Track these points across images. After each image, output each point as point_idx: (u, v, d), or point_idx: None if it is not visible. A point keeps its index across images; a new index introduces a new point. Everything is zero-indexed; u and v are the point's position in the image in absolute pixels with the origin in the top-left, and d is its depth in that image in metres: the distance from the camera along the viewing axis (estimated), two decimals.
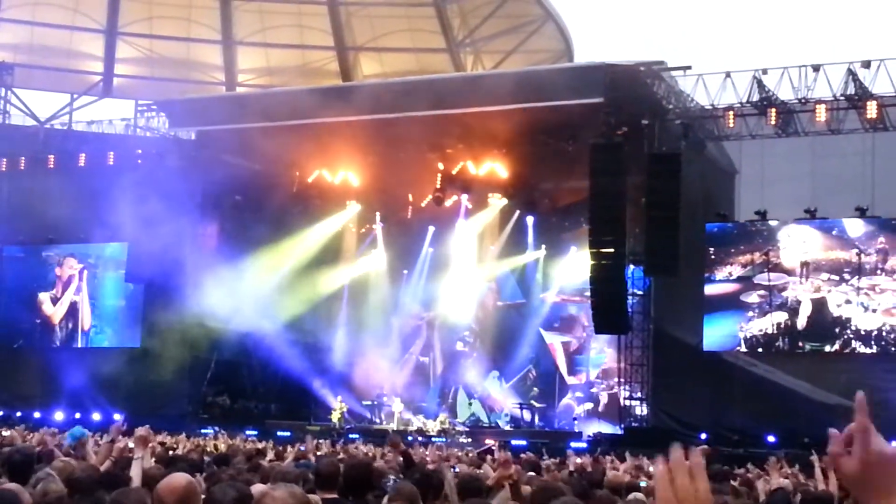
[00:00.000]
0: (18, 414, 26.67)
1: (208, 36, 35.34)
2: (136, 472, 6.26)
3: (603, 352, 27.70)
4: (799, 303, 23.49)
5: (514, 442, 22.32)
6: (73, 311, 30.11)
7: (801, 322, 23.44)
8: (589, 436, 24.35)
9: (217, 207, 28.14)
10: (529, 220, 28.61)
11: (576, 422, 26.67)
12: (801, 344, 23.65)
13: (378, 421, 28.02)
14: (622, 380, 25.41)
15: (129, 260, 28.26)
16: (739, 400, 23.71)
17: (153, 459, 8.05)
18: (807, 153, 23.91)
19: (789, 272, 23.74)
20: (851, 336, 23.00)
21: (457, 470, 9.65)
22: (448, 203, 27.77)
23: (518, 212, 28.53)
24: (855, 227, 23.26)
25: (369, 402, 28.72)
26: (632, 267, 23.88)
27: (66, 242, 30.24)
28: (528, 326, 28.84)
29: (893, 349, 22.79)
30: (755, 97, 23.32)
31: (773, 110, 23.28)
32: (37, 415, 26.61)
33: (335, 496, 5.83)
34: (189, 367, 27.70)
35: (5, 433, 15.85)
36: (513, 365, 28.77)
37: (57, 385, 28.00)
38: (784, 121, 23.63)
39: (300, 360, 28.16)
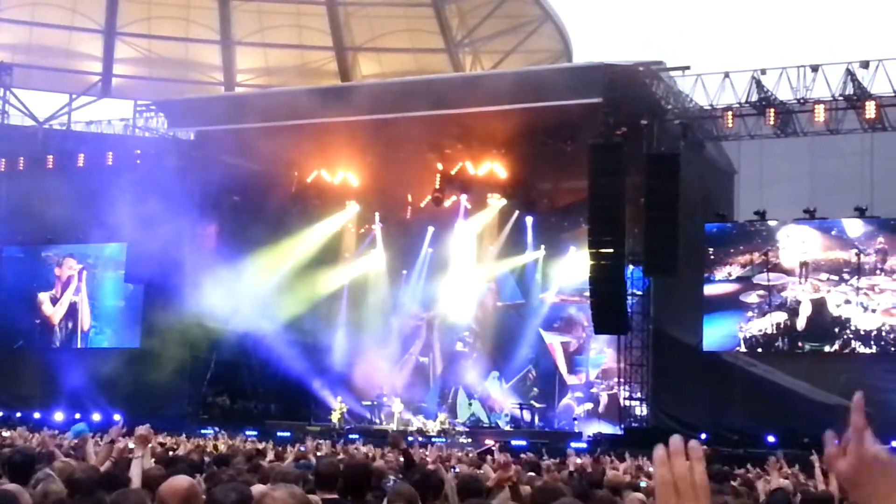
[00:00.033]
0: (18, 415, 26.66)
1: (207, 36, 35.33)
2: (135, 472, 6.25)
3: (602, 352, 27.69)
4: (798, 303, 23.50)
5: (513, 442, 22.32)
6: (72, 311, 30.09)
7: (801, 322, 23.45)
8: (589, 436, 24.34)
9: (216, 207, 28.13)
10: (528, 220, 28.61)
11: (576, 422, 26.66)
12: (800, 344, 23.66)
13: (378, 421, 28.01)
14: (622, 380, 25.40)
15: (129, 260, 28.25)
16: (739, 400, 23.71)
17: (153, 460, 8.04)
18: (806, 153, 23.93)
19: (788, 272, 23.75)
20: (851, 336, 23.01)
21: (457, 470, 9.66)
22: (447, 203, 27.76)
23: (517, 212, 28.53)
24: (854, 228, 23.27)
25: (369, 403, 28.71)
26: (631, 267, 23.87)
27: (65, 243, 30.23)
28: (528, 327, 28.83)
29: (893, 349, 22.80)
30: (754, 97, 23.33)
31: (772, 110, 23.28)
32: (36, 415, 26.60)
33: (335, 496, 5.83)
34: (189, 367, 27.70)
35: (5, 434, 15.86)
36: (512, 365, 28.76)
37: (56, 386, 28.00)
38: (783, 121, 23.64)
39: (300, 360, 28.15)
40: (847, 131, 23.19)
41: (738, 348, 24.25)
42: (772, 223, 24.02)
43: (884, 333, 22.82)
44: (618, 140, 22.69)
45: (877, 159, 23.22)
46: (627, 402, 25.15)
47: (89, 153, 30.15)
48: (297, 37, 35.19)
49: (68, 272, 30.26)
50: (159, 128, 29.42)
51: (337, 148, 26.34)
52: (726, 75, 23.63)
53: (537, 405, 27.48)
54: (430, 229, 29.67)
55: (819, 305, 23.29)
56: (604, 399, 27.39)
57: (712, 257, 24.49)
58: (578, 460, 14.53)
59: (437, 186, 26.84)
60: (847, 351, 23.10)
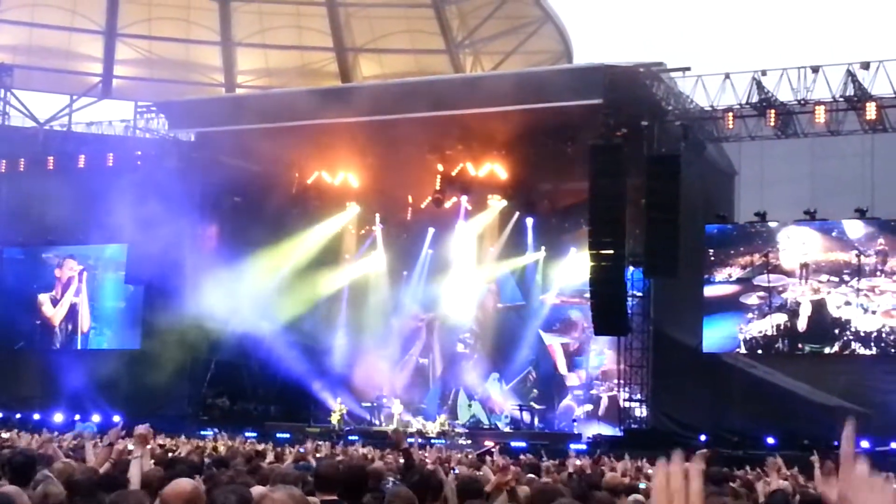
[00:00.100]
0: (18, 416, 26.67)
1: (207, 37, 35.34)
2: (134, 473, 6.25)
3: (602, 353, 27.68)
4: (798, 304, 23.49)
5: (513, 444, 22.30)
6: (72, 312, 30.10)
7: (801, 324, 23.44)
8: (588, 438, 24.33)
9: (216, 209, 28.15)
10: (529, 221, 28.60)
11: (575, 423, 26.65)
12: (800, 345, 23.65)
13: (377, 423, 27.99)
14: (622, 381, 25.39)
15: (129, 261, 28.25)
16: (739, 402, 23.69)
17: (152, 462, 8.04)
18: (806, 154, 23.92)
19: (789, 273, 23.75)
20: (851, 337, 23.00)
21: (456, 472, 9.65)
22: (448, 204, 27.75)
23: (517, 213, 28.51)
24: (854, 229, 23.26)
25: (369, 404, 28.69)
26: (631, 268, 23.86)
27: (65, 244, 30.24)
28: (528, 328, 28.81)
29: (893, 351, 22.79)
30: (754, 98, 23.33)
31: (773, 111, 23.29)
32: (36, 416, 26.62)
33: (334, 498, 5.82)
34: (188, 368, 27.72)
35: (4, 435, 15.86)
36: (513, 367, 28.74)
37: (56, 387, 28.00)
38: (783, 122, 23.64)
39: (300, 361, 28.15)
40: (848, 132, 23.19)
41: (738, 350, 24.24)
42: (772, 224, 24.01)
43: (884, 335, 22.80)
44: (618, 141, 22.68)
45: (877, 160, 23.21)
46: (627, 404, 25.14)
47: (90, 154, 30.16)
48: (297, 38, 35.20)
49: (69, 273, 30.27)
50: (160, 129, 29.43)
51: (337, 149, 26.34)
52: (727, 76, 23.64)
53: (537, 407, 27.48)
54: (431, 230, 29.66)
55: (819, 307, 23.28)
56: (604, 400, 27.37)
57: (713, 259, 24.49)
58: (578, 462, 14.52)
59: (438, 187, 26.83)
60: (847, 352, 23.09)
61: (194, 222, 26.86)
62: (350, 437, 24.26)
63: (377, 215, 30.28)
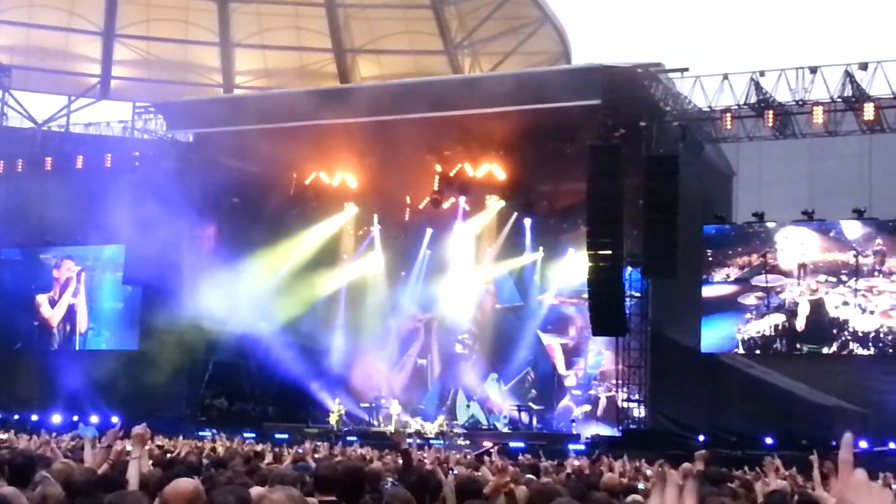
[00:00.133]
0: (16, 417, 26.66)
1: (206, 38, 35.33)
2: (133, 473, 6.24)
3: (601, 354, 27.68)
4: (796, 304, 23.51)
5: (512, 444, 22.28)
6: (70, 313, 30.09)
7: (799, 324, 23.46)
8: (587, 438, 24.34)
9: (215, 209, 28.15)
10: (527, 221, 28.61)
11: (574, 424, 26.66)
12: (798, 346, 23.66)
13: (376, 423, 28.00)
14: (620, 382, 25.39)
15: (127, 262, 28.24)
16: (737, 402, 23.70)
17: (150, 462, 8.03)
18: (804, 155, 23.94)
19: (787, 274, 23.76)
20: (849, 338, 23.01)
21: (455, 472, 9.65)
22: (446, 205, 27.77)
23: (516, 214, 28.53)
24: (852, 229, 23.28)
25: (367, 405, 28.70)
26: (629, 269, 23.86)
27: (63, 244, 30.22)
28: (526, 329, 28.82)
29: (891, 351, 22.81)
30: (752, 99, 23.34)
31: (771, 112, 23.30)
32: (34, 417, 26.59)
33: (333, 499, 5.82)
34: (187, 369, 27.71)
35: (3, 436, 15.86)
36: (511, 367, 28.74)
37: (55, 387, 27.98)
38: (781, 122, 23.65)
39: (298, 362, 28.13)
40: (845, 133, 23.21)
41: (736, 350, 24.25)
42: (770, 225, 24.02)
43: (882, 335, 22.82)
44: (616, 142, 22.69)
45: (875, 161, 23.23)
46: (626, 404, 25.14)
47: (88, 155, 30.14)
48: (296, 39, 35.20)
49: (67, 274, 30.25)
50: (158, 130, 29.43)
51: (335, 150, 26.34)
52: (725, 77, 23.64)
53: (535, 407, 27.48)
54: (429, 231, 29.67)
55: (817, 307, 23.30)
56: (602, 401, 27.38)
57: (711, 259, 24.50)
58: (576, 462, 14.52)
59: (436, 188, 26.84)
60: (845, 352, 23.10)
61: (192, 223, 26.86)
62: (348, 438, 24.25)
63: (375, 216, 30.28)
